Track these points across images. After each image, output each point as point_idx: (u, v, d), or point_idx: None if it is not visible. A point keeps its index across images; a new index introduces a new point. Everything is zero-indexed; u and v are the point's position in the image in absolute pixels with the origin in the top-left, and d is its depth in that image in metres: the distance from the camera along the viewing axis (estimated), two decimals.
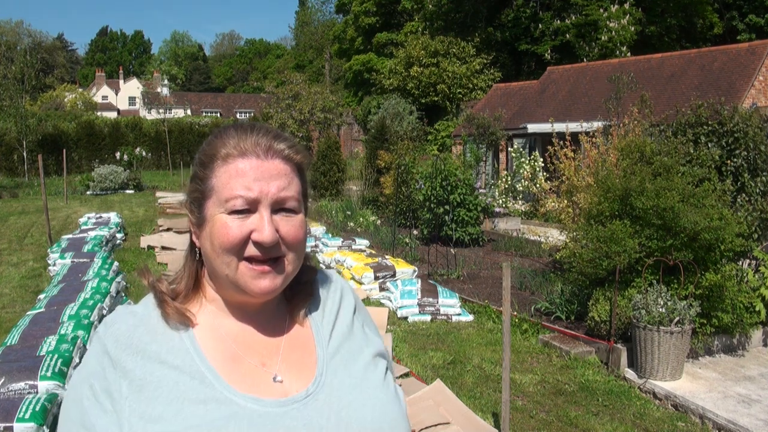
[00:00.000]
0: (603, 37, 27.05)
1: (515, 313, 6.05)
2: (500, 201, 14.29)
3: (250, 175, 0.92)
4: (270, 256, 0.92)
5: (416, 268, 7.67)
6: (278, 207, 0.93)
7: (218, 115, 48.34)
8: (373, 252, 8.75)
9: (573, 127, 12.19)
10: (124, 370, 0.89)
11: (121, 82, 61.33)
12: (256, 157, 0.93)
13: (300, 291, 1.04)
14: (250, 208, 0.91)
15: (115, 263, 7.36)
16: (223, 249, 0.91)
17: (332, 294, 1.08)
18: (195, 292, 0.99)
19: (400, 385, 4.70)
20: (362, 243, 9.26)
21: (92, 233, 9.20)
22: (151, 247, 9.74)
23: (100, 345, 0.92)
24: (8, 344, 4.39)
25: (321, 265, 8.48)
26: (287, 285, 0.98)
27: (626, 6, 27.44)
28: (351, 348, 1.01)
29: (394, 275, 7.26)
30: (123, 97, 59.33)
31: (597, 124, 10.73)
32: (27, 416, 3.24)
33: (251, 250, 0.91)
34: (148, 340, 0.92)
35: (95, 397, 0.88)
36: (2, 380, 3.62)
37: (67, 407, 0.92)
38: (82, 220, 11.41)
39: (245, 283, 0.91)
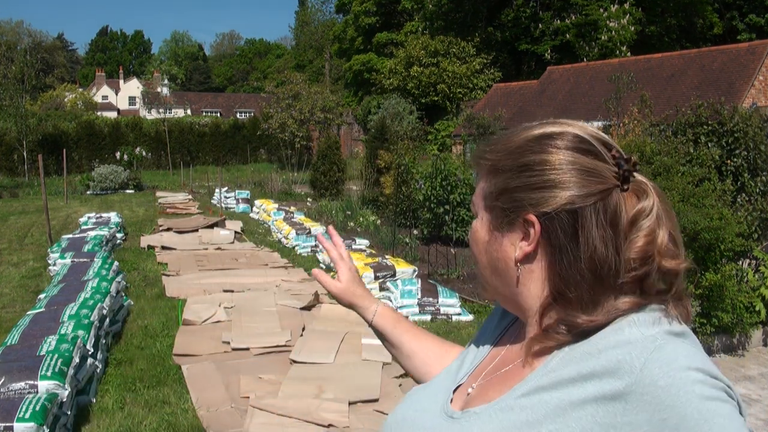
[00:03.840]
0: (603, 37, 27.05)
1: None
2: None
3: None
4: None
5: (416, 268, 7.66)
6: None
7: (218, 114, 48.31)
8: (373, 252, 8.75)
9: None
10: (488, 325, 1.06)
11: (121, 82, 61.31)
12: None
13: (534, 342, 0.84)
14: None
15: (116, 263, 7.35)
16: None
17: (606, 355, 0.76)
18: None
19: (400, 385, 4.65)
20: (362, 243, 9.26)
21: (92, 233, 9.19)
22: (151, 247, 9.74)
23: None
24: (8, 344, 4.39)
25: (321, 265, 8.47)
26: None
27: (626, 6, 27.44)
28: (531, 415, 0.78)
29: (394, 275, 7.25)
30: (123, 96, 59.31)
31: (597, 124, 10.73)
32: (27, 416, 3.24)
33: None
34: (501, 316, 1.03)
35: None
36: (2, 380, 3.62)
37: None
38: (82, 219, 11.41)
39: None
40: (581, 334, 0.79)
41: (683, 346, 0.75)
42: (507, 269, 0.86)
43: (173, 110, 47.74)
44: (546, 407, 0.76)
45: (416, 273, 7.53)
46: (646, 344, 0.74)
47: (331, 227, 1.39)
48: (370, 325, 1.22)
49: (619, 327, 0.77)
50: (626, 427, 0.71)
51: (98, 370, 4.52)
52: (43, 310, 5.21)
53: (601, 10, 27.27)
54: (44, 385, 3.64)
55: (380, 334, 1.22)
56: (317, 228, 10.36)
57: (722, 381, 0.73)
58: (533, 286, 0.85)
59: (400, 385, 4.44)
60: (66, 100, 42.38)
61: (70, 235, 9.14)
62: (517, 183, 0.83)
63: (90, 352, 4.48)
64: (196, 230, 10.94)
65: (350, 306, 1.23)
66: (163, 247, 9.68)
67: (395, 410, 0.99)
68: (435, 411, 0.92)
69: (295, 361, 4.79)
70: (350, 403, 4.04)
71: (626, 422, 0.71)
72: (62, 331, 4.51)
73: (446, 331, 5.97)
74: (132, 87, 60.37)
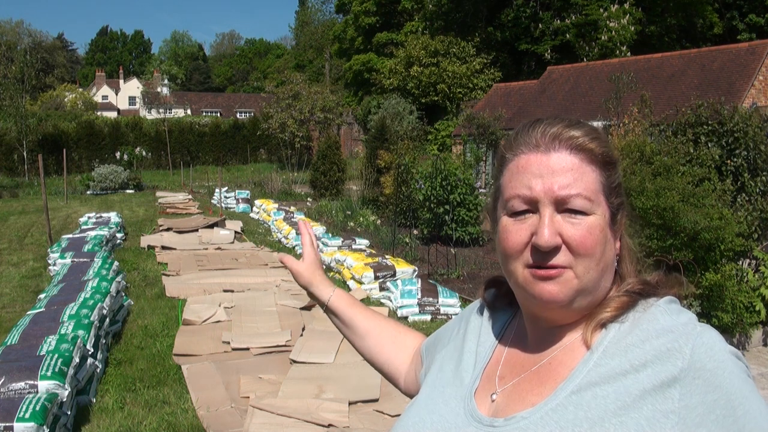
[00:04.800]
0: (603, 37, 27.03)
1: None
2: None
3: (531, 171, 0.83)
4: (551, 263, 0.80)
5: (416, 268, 7.66)
6: (563, 207, 0.81)
7: (218, 114, 48.29)
8: (373, 252, 8.75)
9: None
10: (461, 328, 1.03)
11: (121, 81, 61.30)
12: (539, 149, 0.83)
13: (599, 311, 0.83)
14: (531, 208, 0.82)
15: (116, 263, 7.35)
16: (505, 255, 0.85)
17: (651, 344, 0.78)
18: None
19: None
20: (362, 243, 9.26)
21: (92, 233, 9.19)
22: (151, 247, 9.74)
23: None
24: (8, 344, 4.39)
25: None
26: (592, 305, 0.84)
27: (626, 6, 27.42)
28: (591, 412, 0.76)
29: (394, 275, 7.25)
30: (123, 96, 59.32)
31: (597, 124, 10.73)
32: (27, 416, 3.24)
33: (533, 258, 0.82)
34: (485, 316, 1.01)
35: (455, 326, 1.06)
36: (2, 380, 3.62)
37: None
38: (82, 219, 11.41)
39: (531, 287, 0.82)
40: (626, 308, 0.84)
41: (715, 332, 0.79)
42: (612, 266, 0.86)
43: (173, 110, 47.74)
44: (606, 402, 0.76)
45: (416, 273, 7.53)
46: (688, 331, 0.77)
47: (303, 221, 1.47)
48: (326, 305, 1.25)
49: (653, 317, 0.81)
50: (684, 411, 0.73)
51: (98, 370, 4.52)
52: (43, 310, 5.21)
53: (601, 10, 27.25)
54: (44, 385, 3.64)
55: (336, 315, 1.24)
56: (317, 228, 10.36)
57: (744, 362, 0.79)
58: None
59: None
60: (66, 100, 42.40)
61: (70, 235, 9.14)
62: (620, 181, 0.87)
63: (90, 352, 4.48)
64: (196, 230, 10.94)
65: (308, 285, 1.26)
66: (163, 247, 9.68)
67: (403, 425, 0.92)
68: (459, 422, 0.87)
69: (295, 361, 4.79)
70: (350, 403, 4.04)
71: (683, 406, 0.73)
72: (62, 331, 4.51)
73: None
74: (132, 87, 60.36)
